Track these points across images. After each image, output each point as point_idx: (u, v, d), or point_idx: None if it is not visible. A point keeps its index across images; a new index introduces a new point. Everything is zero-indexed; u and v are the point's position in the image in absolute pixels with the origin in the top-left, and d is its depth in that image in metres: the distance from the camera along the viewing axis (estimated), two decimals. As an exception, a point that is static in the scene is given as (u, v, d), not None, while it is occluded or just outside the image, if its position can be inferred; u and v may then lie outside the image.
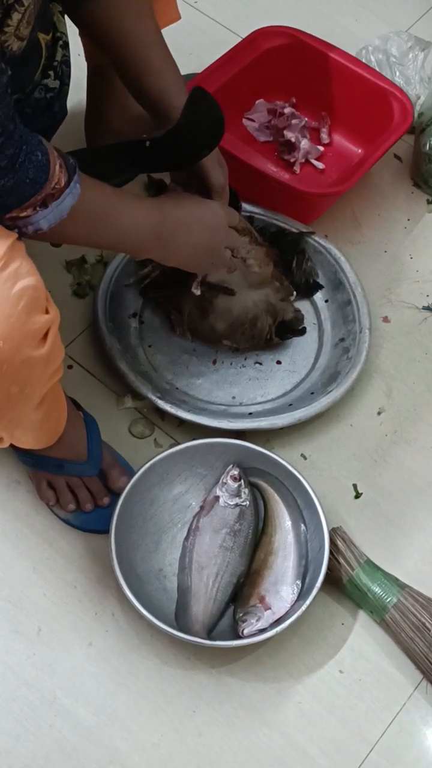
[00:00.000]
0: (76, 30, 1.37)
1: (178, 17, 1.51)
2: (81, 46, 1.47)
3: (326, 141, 1.70)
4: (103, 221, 1.10)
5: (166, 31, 1.35)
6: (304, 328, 1.50)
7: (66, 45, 1.21)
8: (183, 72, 1.27)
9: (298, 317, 1.49)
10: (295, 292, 1.51)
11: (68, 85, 1.24)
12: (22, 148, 0.94)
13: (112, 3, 1.17)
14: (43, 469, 1.31)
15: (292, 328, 1.48)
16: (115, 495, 1.31)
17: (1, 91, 0.89)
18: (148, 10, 1.21)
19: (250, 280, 1.41)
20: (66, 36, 1.22)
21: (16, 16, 0.99)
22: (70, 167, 1.00)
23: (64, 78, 1.22)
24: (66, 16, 1.26)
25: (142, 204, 1.18)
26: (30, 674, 1.25)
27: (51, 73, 1.17)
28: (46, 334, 0.98)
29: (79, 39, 1.46)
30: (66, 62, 1.21)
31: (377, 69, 1.70)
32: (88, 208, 1.05)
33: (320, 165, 1.67)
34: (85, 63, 1.54)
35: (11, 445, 1.22)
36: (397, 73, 1.72)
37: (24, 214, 0.97)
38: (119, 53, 1.21)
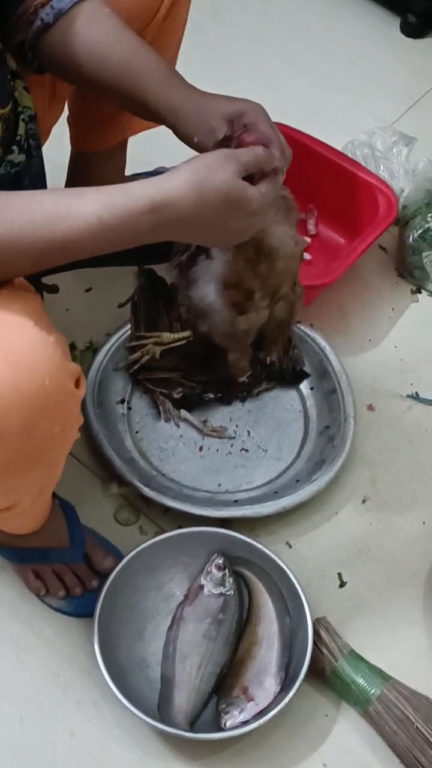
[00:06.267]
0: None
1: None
2: (66, 129, 1.50)
3: (313, 232, 1.74)
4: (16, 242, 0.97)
5: (146, 133, 1.36)
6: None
7: (32, 119, 1.19)
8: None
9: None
10: None
11: (38, 157, 1.22)
12: None
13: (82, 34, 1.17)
14: (28, 561, 1.31)
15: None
16: (102, 577, 1.31)
17: None
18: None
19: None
20: (31, 110, 1.19)
21: None
22: None
23: (31, 151, 1.19)
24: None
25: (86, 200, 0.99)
26: (11, 765, 1.24)
27: (15, 148, 1.15)
28: (77, 382, 1.00)
29: (65, 122, 1.49)
30: (33, 135, 1.19)
31: (363, 163, 1.75)
32: None
33: (307, 256, 1.70)
34: (69, 147, 1.55)
35: None
36: (382, 167, 1.77)
37: None
38: (118, 77, 1.18)
